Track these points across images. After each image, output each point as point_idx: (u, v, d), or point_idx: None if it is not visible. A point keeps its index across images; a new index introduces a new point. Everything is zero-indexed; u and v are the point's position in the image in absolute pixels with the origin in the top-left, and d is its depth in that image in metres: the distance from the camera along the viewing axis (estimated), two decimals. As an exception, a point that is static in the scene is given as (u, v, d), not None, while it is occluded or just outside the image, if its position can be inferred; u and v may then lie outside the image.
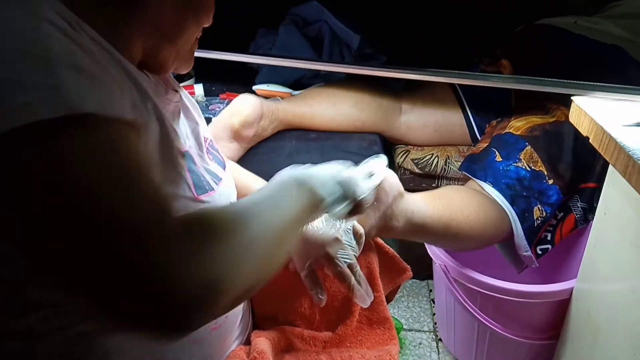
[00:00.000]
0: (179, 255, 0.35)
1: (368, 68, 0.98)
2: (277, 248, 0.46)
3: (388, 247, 0.86)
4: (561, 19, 1.14)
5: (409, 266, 0.87)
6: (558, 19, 1.14)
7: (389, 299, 0.90)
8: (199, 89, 1.37)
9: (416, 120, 1.25)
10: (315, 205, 0.53)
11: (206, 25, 0.57)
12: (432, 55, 1.25)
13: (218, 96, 1.39)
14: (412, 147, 1.31)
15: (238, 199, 0.66)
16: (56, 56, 0.36)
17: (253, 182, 0.83)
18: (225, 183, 0.63)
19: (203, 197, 0.55)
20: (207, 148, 0.66)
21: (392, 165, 1.29)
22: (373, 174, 0.70)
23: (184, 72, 0.61)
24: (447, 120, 1.24)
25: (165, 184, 0.51)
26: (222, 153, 0.71)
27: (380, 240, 0.83)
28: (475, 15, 1.39)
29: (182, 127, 0.59)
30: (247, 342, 0.72)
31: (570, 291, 0.95)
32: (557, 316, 0.99)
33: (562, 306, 0.98)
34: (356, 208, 0.61)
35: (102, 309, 0.36)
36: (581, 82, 0.82)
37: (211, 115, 1.30)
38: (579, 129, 0.79)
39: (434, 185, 1.29)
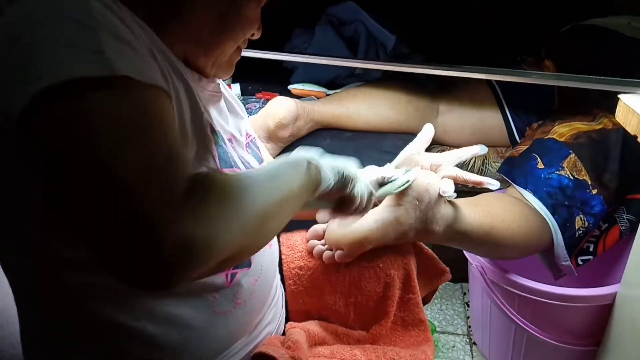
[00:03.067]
0: (172, 210, 0.36)
1: (404, 65, 0.97)
2: (272, 218, 0.47)
3: (427, 247, 0.85)
4: (613, 20, 1.10)
5: (448, 268, 0.87)
6: (610, 20, 1.10)
7: (426, 300, 0.90)
8: (235, 88, 1.40)
9: (453, 122, 1.24)
10: (317, 186, 0.55)
11: (254, 38, 0.59)
12: (471, 55, 1.23)
13: (254, 95, 1.41)
14: (448, 147, 1.29)
15: None
16: (99, 23, 0.39)
17: None
18: None
19: (227, 171, 0.56)
20: (248, 143, 0.68)
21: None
22: (392, 179, 0.71)
23: (224, 78, 0.64)
24: (485, 122, 1.22)
25: (195, 154, 0.53)
26: (262, 151, 0.73)
27: (420, 243, 0.83)
28: (518, 14, 1.35)
29: (220, 114, 0.61)
30: (282, 333, 0.74)
31: (613, 296, 0.93)
32: (598, 322, 0.97)
33: (604, 312, 0.95)
34: (344, 202, 0.62)
35: (98, 257, 0.38)
36: (629, 79, 0.79)
37: (248, 114, 1.33)
38: (627, 128, 0.77)
39: (470, 186, 1.27)
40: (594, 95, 0.86)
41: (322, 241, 0.79)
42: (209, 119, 0.56)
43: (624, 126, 0.77)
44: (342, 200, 0.63)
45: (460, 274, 1.24)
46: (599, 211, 0.94)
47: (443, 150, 1.28)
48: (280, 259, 0.81)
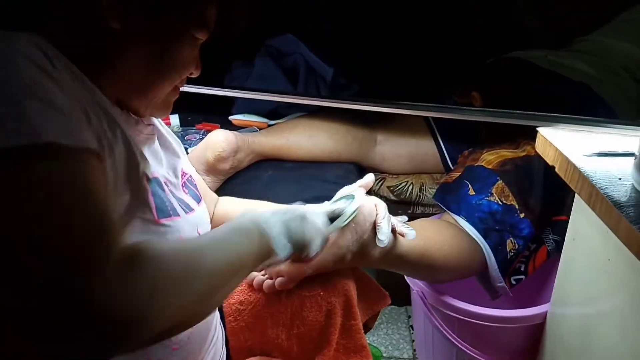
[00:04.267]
0: (111, 283, 0.36)
1: (342, 102, 1.01)
2: (217, 289, 0.47)
3: (366, 273, 0.86)
4: (532, 53, 1.19)
5: (387, 293, 0.88)
6: (529, 53, 1.19)
7: (368, 326, 0.90)
8: (174, 119, 1.37)
9: (390, 151, 1.28)
10: (266, 257, 0.55)
11: (193, 77, 0.59)
12: (406, 84, 1.29)
13: (194, 126, 1.39)
14: (387, 174, 1.33)
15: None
16: (23, 88, 0.39)
17: (257, 205, 0.87)
18: (197, 214, 0.64)
19: (164, 221, 0.56)
20: (185, 182, 0.66)
21: (368, 192, 1.31)
22: (338, 211, 0.72)
23: (160, 117, 0.63)
24: (420, 150, 1.27)
25: (127, 206, 0.52)
26: (200, 187, 0.72)
27: (358, 267, 0.84)
28: (448, 47, 1.44)
29: (155, 157, 0.60)
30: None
31: (544, 315, 0.98)
32: (533, 340, 1.01)
33: (537, 330, 1.00)
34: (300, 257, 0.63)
35: (26, 332, 0.36)
36: (545, 114, 0.86)
37: (187, 146, 1.30)
38: (545, 159, 0.83)
39: (409, 211, 1.31)
40: (516, 125, 0.93)
41: (262, 272, 0.78)
42: (145, 167, 0.55)
43: (543, 157, 0.83)
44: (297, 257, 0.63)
45: (405, 298, 1.27)
46: (527, 233, 0.99)
47: (384, 179, 1.32)
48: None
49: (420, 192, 1.29)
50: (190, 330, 0.60)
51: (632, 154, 0.67)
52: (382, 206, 0.78)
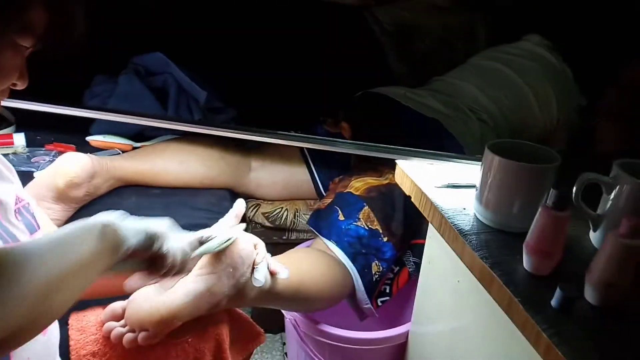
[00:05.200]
0: None
1: (215, 129, 0.98)
2: (56, 292, 0.43)
3: (241, 312, 0.83)
4: (393, 89, 1.29)
5: (262, 330, 0.86)
6: (391, 89, 1.29)
7: (243, 364, 0.86)
8: (19, 138, 1.20)
9: (265, 178, 1.28)
10: (115, 249, 0.51)
11: (17, 88, 0.52)
12: (281, 110, 1.31)
13: (44, 147, 1.23)
14: (262, 200, 1.32)
15: None
16: None
17: None
18: None
19: None
20: (19, 209, 0.57)
21: (242, 219, 1.28)
22: (211, 237, 0.69)
23: None
24: (295, 177, 1.29)
25: None
26: (39, 218, 0.63)
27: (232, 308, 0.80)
28: (320, 79, 1.50)
29: None
30: None
31: (406, 335, 1.04)
32: (399, 359, 1.07)
33: (402, 350, 1.05)
34: (154, 262, 0.59)
35: None
36: (402, 148, 0.93)
37: (34, 169, 1.14)
38: (403, 188, 0.89)
39: (284, 237, 1.32)
40: (381, 155, 0.99)
41: (122, 322, 0.70)
42: None
43: (401, 187, 0.89)
44: (151, 259, 0.58)
45: (280, 324, 1.25)
46: (390, 256, 1.05)
47: (258, 205, 1.30)
48: (68, 345, 0.69)
49: (294, 218, 1.30)
50: None
51: (473, 186, 0.75)
52: (261, 246, 0.77)
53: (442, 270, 0.87)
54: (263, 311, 0.86)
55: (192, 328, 0.73)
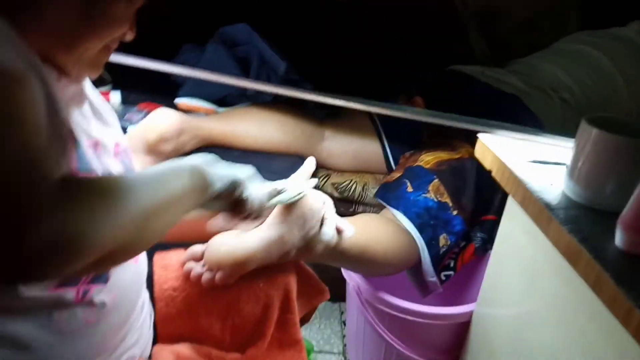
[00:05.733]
0: (41, 204, 0.36)
1: (292, 89, 1.01)
2: (154, 218, 0.47)
3: (307, 267, 0.86)
4: (471, 67, 1.27)
5: (327, 287, 0.89)
6: (468, 67, 1.27)
7: (305, 319, 0.90)
8: (115, 95, 1.30)
9: (337, 147, 1.30)
10: (203, 190, 0.55)
11: (126, 39, 0.56)
12: (356, 87, 1.31)
13: (137, 105, 1.33)
14: (332, 171, 1.35)
15: None
16: None
17: None
18: None
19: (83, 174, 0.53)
20: (119, 152, 0.63)
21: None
22: (285, 190, 0.72)
23: (90, 77, 0.59)
24: (366, 149, 1.30)
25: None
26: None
27: (299, 261, 0.84)
28: (397, 56, 1.49)
29: (82, 118, 0.56)
30: (149, 357, 0.69)
31: (470, 314, 1.02)
32: (458, 338, 1.06)
33: (462, 329, 1.04)
34: (236, 206, 0.64)
35: None
36: (487, 120, 0.91)
37: (126, 124, 1.24)
38: (483, 163, 0.87)
39: (351, 210, 1.34)
40: (454, 129, 0.97)
41: (201, 263, 0.75)
42: (67, 122, 0.51)
43: (481, 162, 0.87)
44: (234, 203, 0.63)
45: (339, 293, 1.28)
46: (460, 230, 1.04)
47: (329, 175, 1.33)
48: (152, 279, 0.76)
49: (363, 191, 1.31)
50: (109, 307, 0.57)
51: (562, 164, 0.73)
52: (330, 203, 0.79)
53: (517, 249, 0.84)
54: (323, 279, 0.89)
55: (263, 274, 0.77)
